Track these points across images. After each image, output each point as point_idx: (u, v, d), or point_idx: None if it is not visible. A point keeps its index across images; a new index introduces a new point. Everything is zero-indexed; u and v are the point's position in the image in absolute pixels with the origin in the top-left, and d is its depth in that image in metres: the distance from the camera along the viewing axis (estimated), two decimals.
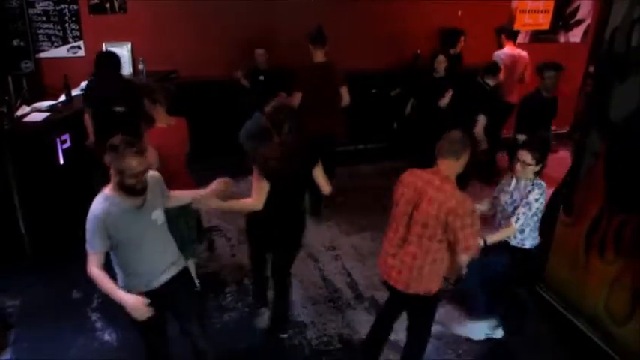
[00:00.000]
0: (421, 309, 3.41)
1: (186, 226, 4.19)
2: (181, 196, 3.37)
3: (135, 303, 2.82)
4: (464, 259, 3.15)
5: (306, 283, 4.76)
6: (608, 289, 3.98)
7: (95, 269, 2.87)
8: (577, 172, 4.32)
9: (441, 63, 5.99)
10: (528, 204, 3.71)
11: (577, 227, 4.22)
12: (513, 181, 3.85)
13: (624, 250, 3.85)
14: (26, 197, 4.63)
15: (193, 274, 4.58)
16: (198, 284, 4.59)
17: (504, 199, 3.88)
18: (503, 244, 3.84)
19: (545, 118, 5.64)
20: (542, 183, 3.78)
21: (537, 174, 3.77)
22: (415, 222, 3.13)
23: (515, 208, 3.76)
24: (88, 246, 2.86)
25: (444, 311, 4.28)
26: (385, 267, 3.36)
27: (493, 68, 6.05)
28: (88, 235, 2.84)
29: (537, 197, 3.71)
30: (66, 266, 4.66)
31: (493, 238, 3.73)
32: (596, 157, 4.10)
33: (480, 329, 4.15)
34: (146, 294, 2.94)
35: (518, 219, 3.73)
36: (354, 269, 4.97)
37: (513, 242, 3.86)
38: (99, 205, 2.83)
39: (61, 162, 4.80)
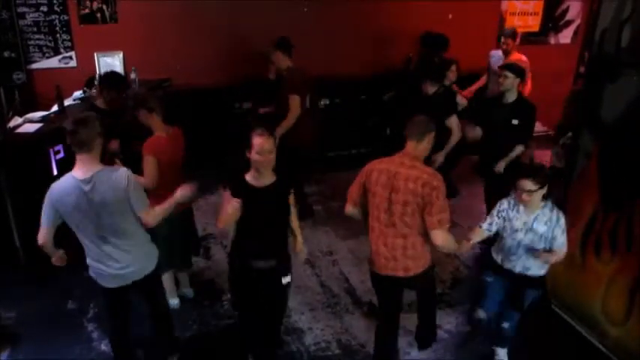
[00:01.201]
0: (426, 284, 3.62)
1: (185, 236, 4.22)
2: (160, 209, 3.31)
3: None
4: (439, 235, 3.17)
5: (304, 288, 4.75)
6: (605, 289, 4.00)
7: None
8: (571, 173, 4.34)
9: (454, 73, 5.71)
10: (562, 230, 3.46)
11: (572, 228, 4.23)
12: (522, 210, 3.51)
13: (620, 250, 3.87)
14: (20, 208, 4.61)
15: (186, 285, 4.59)
16: (192, 294, 4.59)
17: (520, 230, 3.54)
18: (537, 277, 3.65)
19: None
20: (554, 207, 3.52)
21: (545, 197, 3.45)
22: (395, 202, 3.23)
23: (546, 239, 3.47)
24: None
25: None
26: (379, 259, 3.42)
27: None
28: None
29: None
30: (60, 277, 4.63)
31: (552, 259, 3.46)
32: (589, 157, 4.12)
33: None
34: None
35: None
36: (352, 274, 4.97)
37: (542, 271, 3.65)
38: None
39: (55, 172, 4.77)
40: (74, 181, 3.01)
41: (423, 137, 3.28)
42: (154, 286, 3.54)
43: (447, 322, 4.40)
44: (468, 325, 4.31)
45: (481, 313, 3.90)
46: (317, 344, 4.16)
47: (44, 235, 3.10)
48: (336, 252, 5.32)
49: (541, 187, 3.34)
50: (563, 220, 3.44)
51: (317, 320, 4.41)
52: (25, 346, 4.06)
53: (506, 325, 3.78)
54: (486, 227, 3.60)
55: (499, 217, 3.56)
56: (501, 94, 4.74)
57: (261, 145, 3.08)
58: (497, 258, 3.70)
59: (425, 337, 3.97)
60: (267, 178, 3.22)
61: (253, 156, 3.11)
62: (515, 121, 4.63)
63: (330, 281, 4.91)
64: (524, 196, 3.37)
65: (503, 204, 3.58)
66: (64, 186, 3.04)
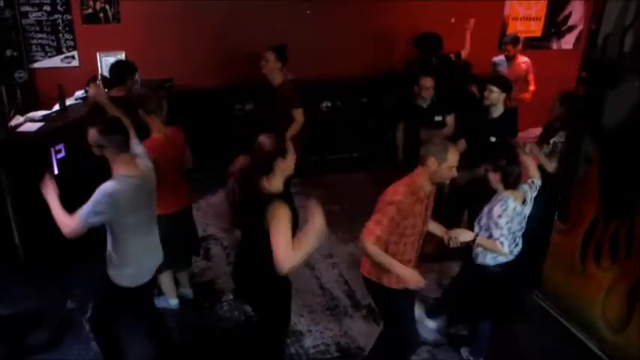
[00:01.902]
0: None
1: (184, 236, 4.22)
2: None
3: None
4: (364, 243, 3.11)
5: (303, 291, 4.74)
6: (604, 296, 3.99)
7: None
8: (571, 179, 4.34)
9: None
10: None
11: (572, 234, 4.23)
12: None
13: (620, 257, 3.86)
14: (20, 207, 4.61)
15: (186, 285, 4.58)
16: (191, 294, 4.59)
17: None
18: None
19: None
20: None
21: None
22: None
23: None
24: None
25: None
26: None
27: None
28: None
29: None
30: (60, 276, 4.65)
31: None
32: (589, 162, 4.12)
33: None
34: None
35: None
36: (351, 277, 4.96)
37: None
38: None
39: (56, 172, 4.78)
40: (130, 179, 3.06)
41: (423, 162, 3.16)
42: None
43: (447, 326, 4.39)
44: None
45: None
46: (316, 347, 4.15)
47: (79, 231, 3.05)
48: (336, 255, 5.32)
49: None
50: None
51: (316, 323, 4.40)
52: (23, 344, 4.05)
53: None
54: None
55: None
56: (487, 108, 4.67)
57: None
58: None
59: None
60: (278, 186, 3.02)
61: (289, 162, 2.98)
62: (492, 138, 4.57)
63: (330, 284, 4.90)
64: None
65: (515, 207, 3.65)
66: (124, 188, 3.02)
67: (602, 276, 4.01)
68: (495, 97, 4.57)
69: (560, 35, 8.10)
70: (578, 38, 8.13)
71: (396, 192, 3.12)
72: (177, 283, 4.51)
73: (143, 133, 3.91)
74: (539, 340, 4.25)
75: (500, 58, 6.62)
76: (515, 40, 6.48)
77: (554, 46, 8.14)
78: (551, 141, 4.50)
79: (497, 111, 4.65)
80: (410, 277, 3.12)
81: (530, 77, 6.56)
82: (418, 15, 7.10)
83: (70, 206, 4.81)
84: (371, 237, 3.10)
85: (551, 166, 4.40)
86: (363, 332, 4.26)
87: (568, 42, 8.16)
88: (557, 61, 7.79)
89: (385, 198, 3.14)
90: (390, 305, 3.43)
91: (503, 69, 6.49)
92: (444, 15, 7.22)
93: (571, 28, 8.10)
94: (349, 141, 7.19)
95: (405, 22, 7.12)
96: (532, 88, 6.53)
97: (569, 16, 8.01)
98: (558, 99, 4.58)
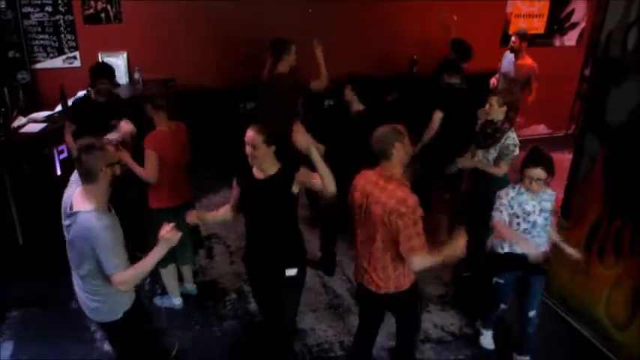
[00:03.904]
0: (399, 306, 3.40)
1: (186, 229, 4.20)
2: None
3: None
4: (414, 262, 2.99)
5: (306, 289, 4.69)
6: (609, 293, 3.99)
7: None
8: (575, 176, 4.33)
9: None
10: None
11: (577, 231, 4.22)
12: (529, 193, 3.60)
13: (624, 255, 3.85)
14: (24, 209, 4.61)
15: (190, 280, 4.58)
16: (195, 290, 4.59)
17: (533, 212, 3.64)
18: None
19: None
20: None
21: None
22: (368, 224, 3.14)
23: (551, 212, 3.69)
24: None
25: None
26: (357, 267, 3.37)
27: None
28: None
29: None
30: (64, 278, 4.63)
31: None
32: (594, 160, 4.10)
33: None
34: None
35: None
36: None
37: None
38: None
39: (59, 173, 4.79)
40: (66, 205, 2.88)
41: (389, 154, 3.06)
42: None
43: (451, 323, 4.40)
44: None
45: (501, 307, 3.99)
46: (319, 345, 4.15)
47: None
48: (339, 253, 5.31)
49: (549, 175, 3.49)
50: (553, 197, 3.67)
51: (320, 321, 4.40)
52: (28, 345, 4.06)
53: (530, 329, 3.82)
54: (503, 217, 3.62)
55: (509, 206, 3.62)
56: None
57: (250, 137, 3.14)
58: (505, 247, 3.72)
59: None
60: (269, 170, 3.25)
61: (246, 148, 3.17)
62: None
63: (333, 282, 4.90)
64: (534, 184, 3.50)
65: (509, 193, 3.64)
66: (65, 197, 2.95)
67: (606, 273, 4.00)
68: (495, 112, 4.28)
69: (562, 32, 8.07)
70: (580, 35, 8.11)
71: (406, 197, 2.98)
72: (181, 279, 4.50)
73: (147, 127, 3.95)
74: (544, 337, 4.24)
75: (507, 53, 6.48)
76: (521, 34, 6.29)
77: (557, 43, 8.11)
78: (498, 146, 4.27)
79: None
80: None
81: (534, 85, 6.25)
82: (422, 14, 7.09)
83: None
84: (422, 251, 2.97)
85: (502, 170, 4.27)
86: None
87: (571, 39, 8.13)
88: (559, 58, 7.78)
89: (404, 209, 2.95)
90: (414, 299, 3.44)
91: (508, 64, 6.41)
92: (447, 14, 7.19)
93: (574, 25, 8.07)
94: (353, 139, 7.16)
95: (408, 22, 7.11)
96: (532, 98, 6.26)
97: (571, 13, 7.98)
98: (498, 101, 4.26)
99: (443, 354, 4.09)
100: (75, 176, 2.97)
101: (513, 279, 3.81)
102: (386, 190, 3.05)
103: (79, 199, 2.83)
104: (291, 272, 3.38)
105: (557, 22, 7.98)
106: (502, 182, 4.06)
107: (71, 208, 2.82)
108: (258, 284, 3.64)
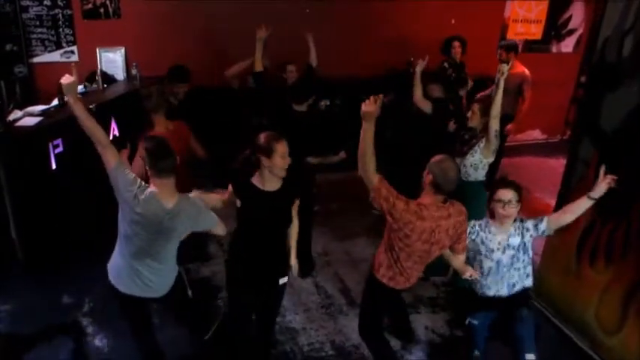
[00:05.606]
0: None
1: None
2: None
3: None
4: (462, 258, 3.39)
5: (298, 289, 4.75)
6: (599, 298, 4.00)
7: None
8: (569, 181, 4.35)
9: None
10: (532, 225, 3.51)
11: (568, 235, 4.23)
12: (494, 229, 3.50)
13: (615, 260, 3.87)
14: (18, 202, 4.60)
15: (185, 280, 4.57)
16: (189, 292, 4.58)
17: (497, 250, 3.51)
18: (524, 292, 3.62)
19: None
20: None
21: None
22: (432, 252, 3.29)
23: (523, 248, 3.48)
24: None
25: None
26: (403, 280, 3.42)
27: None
28: None
29: None
30: (57, 271, 4.64)
31: None
32: (587, 165, 4.13)
33: None
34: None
35: None
36: (347, 275, 4.97)
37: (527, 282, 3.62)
38: None
39: (54, 167, 4.78)
40: (158, 203, 3.02)
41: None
42: None
43: (440, 325, 4.42)
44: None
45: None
46: (311, 345, 4.16)
47: None
48: (332, 253, 5.33)
49: (519, 199, 3.39)
50: (528, 222, 3.47)
51: (311, 321, 4.41)
52: (19, 339, 4.05)
53: (532, 357, 3.47)
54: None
55: (469, 239, 3.47)
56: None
57: (285, 150, 3.10)
58: (479, 288, 3.59)
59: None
60: (275, 183, 3.21)
61: (277, 161, 3.08)
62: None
63: (325, 282, 4.91)
64: (506, 208, 3.37)
65: (475, 225, 3.51)
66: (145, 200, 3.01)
67: (597, 278, 4.02)
68: (476, 121, 4.32)
69: (560, 38, 8.12)
70: (578, 42, 8.15)
71: (462, 210, 3.31)
72: None
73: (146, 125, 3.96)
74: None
75: None
76: (507, 47, 6.15)
77: (554, 49, 8.15)
78: (474, 153, 4.28)
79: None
80: None
81: (527, 93, 6.10)
82: (419, 17, 7.12)
83: (67, 200, 4.83)
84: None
85: (479, 174, 4.32)
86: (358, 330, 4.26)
87: (568, 45, 8.18)
88: (556, 64, 7.82)
89: (463, 221, 3.31)
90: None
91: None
92: (446, 17, 7.23)
93: (571, 32, 8.12)
94: (347, 139, 7.17)
95: (405, 24, 7.12)
96: (526, 106, 6.13)
97: (569, 19, 8.03)
98: (480, 109, 4.28)
99: (433, 356, 4.10)
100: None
101: (489, 321, 3.62)
102: (450, 216, 3.21)
103: (163, 194, 3.08)
104: (283, 280, 3.45)
105: (555, 28, 8.02)
106: (477, 189, 4.20)
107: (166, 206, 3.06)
108: (253, 291, 3.48)
